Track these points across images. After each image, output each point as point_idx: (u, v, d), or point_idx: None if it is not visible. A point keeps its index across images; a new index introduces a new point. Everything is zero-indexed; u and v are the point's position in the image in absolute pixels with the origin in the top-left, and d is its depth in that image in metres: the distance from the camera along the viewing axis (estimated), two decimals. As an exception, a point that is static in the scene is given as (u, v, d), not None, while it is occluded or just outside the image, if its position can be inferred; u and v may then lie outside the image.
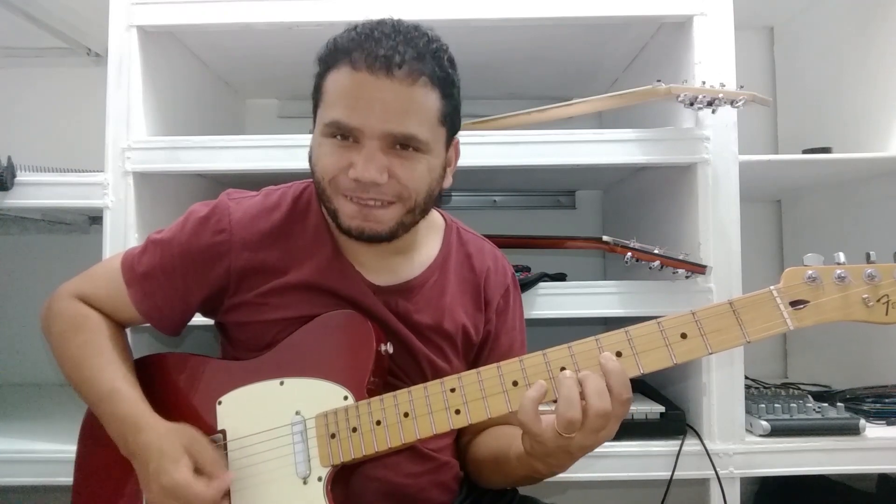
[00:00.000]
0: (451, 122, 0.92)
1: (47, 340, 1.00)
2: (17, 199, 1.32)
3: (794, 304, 0.78)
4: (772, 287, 0.79)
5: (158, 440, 0.86)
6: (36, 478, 1.28)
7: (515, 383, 0.82)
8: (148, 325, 1.00)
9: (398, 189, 0.87)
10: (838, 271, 0.78)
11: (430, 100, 0.86)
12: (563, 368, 0.80)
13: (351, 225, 0.89)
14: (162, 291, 0.98)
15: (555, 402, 0.78)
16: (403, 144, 0.86)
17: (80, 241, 1.87)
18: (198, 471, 0.85)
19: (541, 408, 0.79)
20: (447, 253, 1.03)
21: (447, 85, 0.88)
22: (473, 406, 0.83)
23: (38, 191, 1.33)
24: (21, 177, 1.32)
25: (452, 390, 0.84)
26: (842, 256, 0.79)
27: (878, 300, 0.77)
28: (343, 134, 0.86)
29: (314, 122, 0.92)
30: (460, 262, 1.04)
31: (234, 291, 0.97)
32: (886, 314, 0.77)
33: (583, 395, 0.76)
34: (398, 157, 0.86)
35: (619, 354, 0.79)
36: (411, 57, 0.83)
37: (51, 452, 1.28)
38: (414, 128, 0.85)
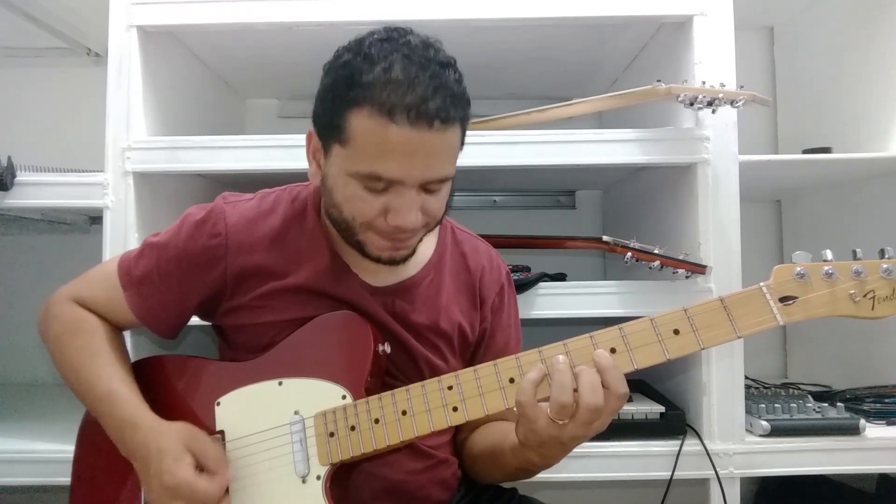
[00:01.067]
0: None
1: (45, 344, 1.00)
2: (17, 199, 1.32)
3: (783, 300, 0.80)
4: (762, 283, 0.81)
5: (158, 439, 0.86)
6: (36, 478, 1.28)
7: (512, 380, 0.82)
8: (145, 327, 1.01)
9: (426, 221, 0.88)
10: (826, 268, 0.80)
11: (457, 136, 0.86)
12: None
13: (382, 256, 0.90)
14: (158, 295, 0.98)
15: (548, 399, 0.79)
16: (436, 184, 0.86)
17: (80, 241, 1.87)
18: (199, 468, 0.85)
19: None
20: (442, 252, 1.04)
21: (467, 118, 0.88)
22: (471, 403, 0.83)
23: (38, 191, 1.33)
24: (21, 177, 1.32)
25: (450, 388, 0.84)
26: (829, 254, 0.81)
27: (865, 295, 0.79)
28: (378, 184, 0.83)
29: (323, 149, 0.88)
30: (455, 261, 1.04)
31: (230, 295, 0.97)
32: (873, 309, 0.79)
33: (576, 389, 0.77)
34: (428, 194, 0.86)
35: (613, 350, 0.80)
36: (449, 104, 0.81)
37: (51, 452, 1.28)
38: (447, 169, 0.86)
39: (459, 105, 0.83)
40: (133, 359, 1.02)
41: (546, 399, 0.79)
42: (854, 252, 0.80)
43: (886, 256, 0.80)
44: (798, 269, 0.80)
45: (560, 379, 0.77)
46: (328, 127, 0.85)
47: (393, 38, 0.83)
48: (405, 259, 0.93)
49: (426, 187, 0.85)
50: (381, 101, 0.79)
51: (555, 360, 0.79)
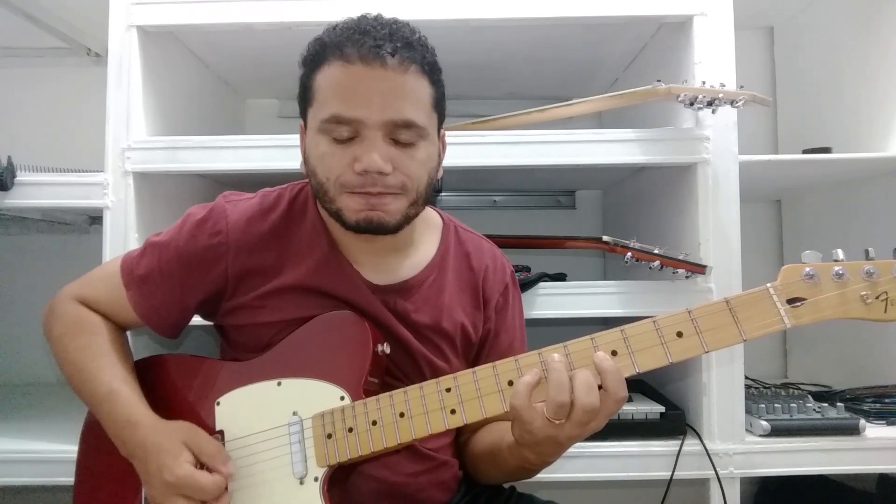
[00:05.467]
0: (441, 109, 0.94)
1: (48, 343, 1.00)
2: (17, 199, 1.32)
3: (791, 301, 0.77)
4: (769, 284, 0.78)
5: (157, 438, 0.86)
6: (36, 478, 1.27)
7: (511, 383, 0.81)
8: (147, 327, 1.01)
9: (402, 180, 0.88)
10: (836, 268, 0.77)
11: (422, 86, 0.88)
12: None
13: (358, 218, 0.88)
14: (160, 294, 0.98)
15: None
16: (403, 132, 0.86)
17: (80, 241, 1.88)
18: (200, 464, 0.85)
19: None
20: (445, 251, 1.03)
21: (435, 71, 0.91)
22: (469, 406, 0.82)
23: (38, 191, 1.33)
24: (21, 177, 1.32)
25: (448, 390, 0.84)
26: (840, 253, 0.78)
27: (877, 297, 0.76)
28: (342, 129, 0.86)
29: (304, 126, 0.93)
30: (459, 260, 1.04)
31: (231, 294, 0.97)
32: (885, 311, 0.76)
33: (572, 389, 0.76)
34: (399, 148, 0.87)
35: (614, 353, 0.79)
36: (402, 45, 0.85)
37: (51, 452, 1.28)
38: (411, 113, 0.86)
39: (416, 50, 0.87)
40: (134, 358, 1.02)
41: (543, 400, 0.78)
42: (867, 252, 0.77)
43: (899, 256, 0.77)
44: (807, 269, 0.77)
45: (557, 378, 0.77)
46: (303, 99, 0.91)
47: (361, 16, 0.90)
48: (388, 228, 0.89)
49: (393, 136, 0.86)
50: (335, 47, 0.86)
51: (550, 357, 0.79)
